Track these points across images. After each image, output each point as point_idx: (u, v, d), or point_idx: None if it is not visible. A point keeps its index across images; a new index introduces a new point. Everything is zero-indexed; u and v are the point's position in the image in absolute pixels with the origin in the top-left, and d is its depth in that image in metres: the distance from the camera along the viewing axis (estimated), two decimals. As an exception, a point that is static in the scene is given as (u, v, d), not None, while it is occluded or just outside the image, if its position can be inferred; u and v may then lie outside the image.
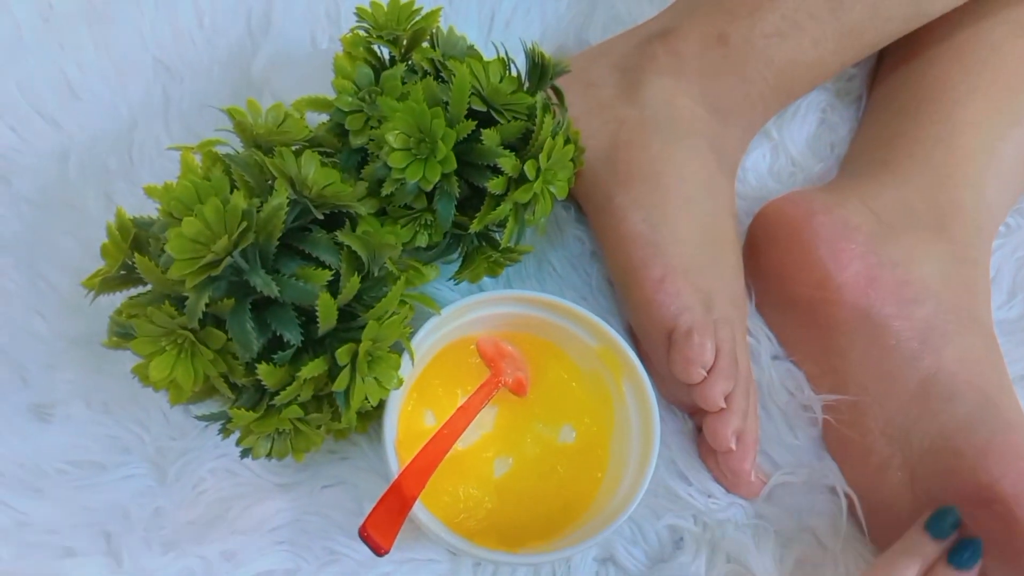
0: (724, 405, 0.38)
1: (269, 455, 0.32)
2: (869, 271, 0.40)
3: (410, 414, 0.39)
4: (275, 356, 0.30)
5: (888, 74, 0.50)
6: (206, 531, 0.37)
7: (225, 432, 0.33)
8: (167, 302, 0.30)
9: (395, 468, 0.34)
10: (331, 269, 0.32)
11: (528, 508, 0.38)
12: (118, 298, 0.34)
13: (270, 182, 0.32)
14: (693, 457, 0.41)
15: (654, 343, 0.40)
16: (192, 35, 0.47)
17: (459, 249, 0.40)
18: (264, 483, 0.38)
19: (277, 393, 0.30)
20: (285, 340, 0.30)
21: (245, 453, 0.32)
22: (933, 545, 0.34)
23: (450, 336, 0.40)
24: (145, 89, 0.46)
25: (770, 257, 0.44)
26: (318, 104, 0.37)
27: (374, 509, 0.31)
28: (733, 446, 0.38)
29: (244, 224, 0.29)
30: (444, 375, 0.40)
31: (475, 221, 0.36)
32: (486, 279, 0.43)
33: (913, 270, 0.41)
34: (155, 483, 0.38)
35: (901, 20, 0.42)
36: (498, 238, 0.38)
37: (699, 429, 0.42)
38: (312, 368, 0.29)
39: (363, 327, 0.31)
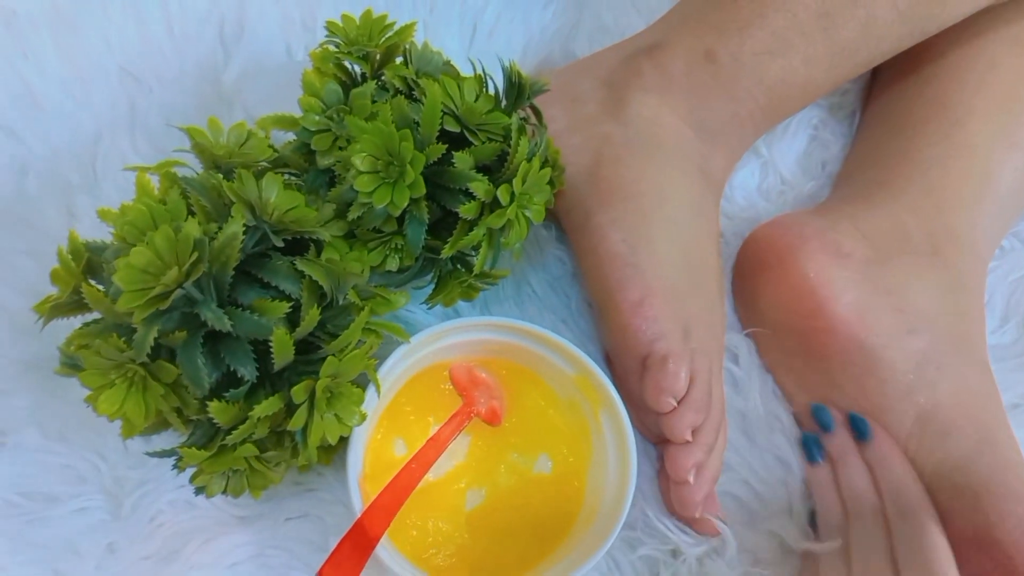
0: (690, 438, 0.36)
1: (225, 492, 0.31)
2: (862, 300, 0.39)
3: (379, 443, 0.38)
4: (227, 393, 0.28)
5: (883, 91, 0.48)
6: (162, 567, 0.36)
7: (179, 468, 0.31)
8: (115, 335, 0.28)
9: (359, 507, 0.32)
10: (291, 298, 0.30)
11: (500, 542, 0.37)
12: (77, 320, 0.32)
13: (229, 206, 0.31)
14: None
15: (628, 368, 0.38)
16: (161, 43, 0.45)
17: (433, 272, 0.38)
18: (224, 516, 0.37)
19: (231, 430, 0.29)
20: (239, 375, 0.29)
21: (199, 491, 0.31)
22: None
23: (423, 362, 0.38)
24: (110, 100, 0.44)
25: (760, 284, 0.43)
26: (284, 122, 0.35)
27: (334, 551, 0.30)
28: (691, 479, 0.37)
29: (196, 255, 0.28)
30: (416, 402, 0.39)
31: (447, 246, 0.35)
32: (462, 303, 0.42)
33: (907, 298, 0.39)
34: (109, 516, 0.36)
35: (894, 39, 0.40)
36: (473, 261, 0.37)
37: (661, 458, 0.40)
38: (266, 407, 0.28)
39: (323, 360, 0.30)
